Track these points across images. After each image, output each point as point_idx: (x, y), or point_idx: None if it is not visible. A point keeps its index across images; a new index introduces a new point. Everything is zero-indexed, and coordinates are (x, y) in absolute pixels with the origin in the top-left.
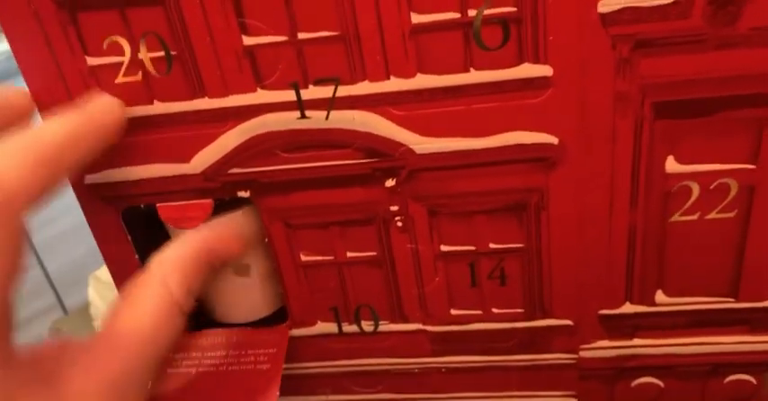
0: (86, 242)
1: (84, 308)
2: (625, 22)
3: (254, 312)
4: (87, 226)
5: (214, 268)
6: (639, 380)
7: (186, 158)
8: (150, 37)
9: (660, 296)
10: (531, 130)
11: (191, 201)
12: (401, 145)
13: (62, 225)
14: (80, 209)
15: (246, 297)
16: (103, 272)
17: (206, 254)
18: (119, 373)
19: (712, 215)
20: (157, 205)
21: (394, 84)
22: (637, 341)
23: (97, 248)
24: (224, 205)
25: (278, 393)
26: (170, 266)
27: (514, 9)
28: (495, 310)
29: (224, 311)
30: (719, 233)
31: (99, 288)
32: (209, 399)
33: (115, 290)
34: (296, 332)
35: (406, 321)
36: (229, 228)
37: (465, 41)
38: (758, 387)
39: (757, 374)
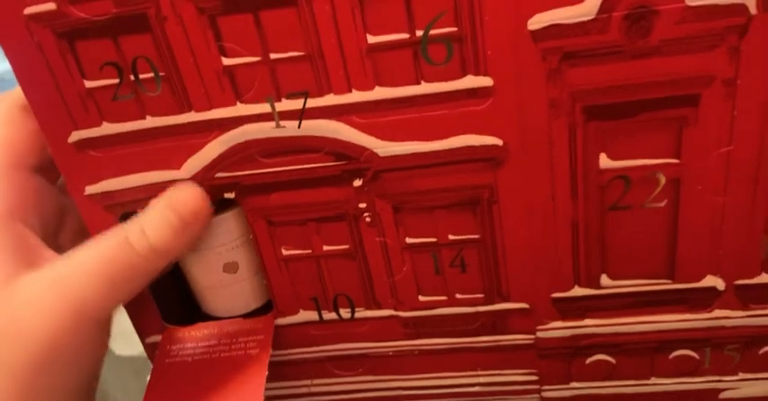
0: None
1: None
2: (552, 38)
3: (244, 306)
4: None
5: (185, 224)
6: (593, 358)
7: (177, 165)
8: (141, 60)
9: (605, 279)
10: (477, 134)
11: None
12: (365, 149)
13: None
14: None
15: (236, 292)
16: None
17: (166, 210)
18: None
19: (645, 205)
20: None
21: (356, 96)
22: (588, 321)
23: None
24: (215, 206)
25: (266, 373)
26: (132, 220)
27: (455, 29)
28: (458, 296)
29: (216, 306)
30: (653, 221)
31: None
32: (206, 383)
33: None
34: (281, 321)
35: (379, 307)
36: (194, 189)
37: (414, 58)
38: (701, 361)
39: (699, 350)
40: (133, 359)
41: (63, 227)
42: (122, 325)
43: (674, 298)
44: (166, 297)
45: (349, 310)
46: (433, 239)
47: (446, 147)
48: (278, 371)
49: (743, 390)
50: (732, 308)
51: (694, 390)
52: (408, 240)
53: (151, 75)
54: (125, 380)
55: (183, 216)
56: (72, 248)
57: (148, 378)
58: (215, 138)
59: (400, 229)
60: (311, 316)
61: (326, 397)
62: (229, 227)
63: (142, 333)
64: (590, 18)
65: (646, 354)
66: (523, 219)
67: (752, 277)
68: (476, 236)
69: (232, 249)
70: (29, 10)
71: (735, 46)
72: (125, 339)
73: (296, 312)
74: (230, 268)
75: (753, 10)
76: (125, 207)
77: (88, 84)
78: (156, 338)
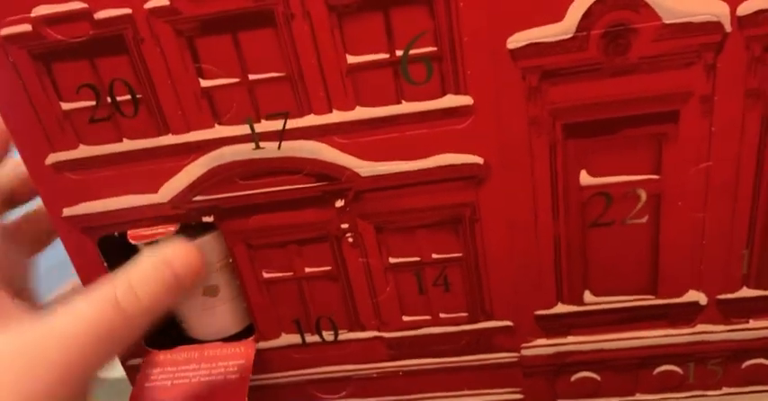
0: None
1: None
2: (532, 56)
3: (224, 329)
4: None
5: (179, 280)
6: (578, 375)
7: (154, 189)
8: (118, 82)
9: (588, 295)
10: (458, 152)
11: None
12: (346, 169)
13: None
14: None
15: (217, 316)
16: None
17: (160, 266)
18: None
19: (626, 221)
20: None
21: (336, 116)
22: (571, 338)
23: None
24: (193, 229)
25: (245, 398)
26: (121, 275)
27: (435, 48)
28: (442, 315)
29: (197, 330)
30: (634, 237)
31: None
32: None
33: None
34: (263, 344)
35: (363, 329)
36: (186, 244)
37: (395, 77)
38: (685, 376)
39: (683, 365)
40: (117, 381)
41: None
42: None
43: (657, 313)
44: None
45: (332, 332)
46: (417, 258)
47: (427, 166)
48: (260, 395)
49: None
50: (714, 323)
51: None
52: (391, 260)
53: (128, 97)
54: None
55: (177, 271)
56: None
57: None
58: (193, 160)
59: (383, 249)
60: (294, 339)
61: None
62: (208, 250)
63: (123, 356)
64: (569, 36)
65: (630, 370)
66: (505, 237)
67: (733, 291)
68: (458, 255)
69: (212, 272)
70: (4, 31)
71: (711, 63)
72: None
73: (278, 335)
74: (211, 291)
75: (728, 27)
76: (103, 230)
77: (65, 106)
78: (137, 361)
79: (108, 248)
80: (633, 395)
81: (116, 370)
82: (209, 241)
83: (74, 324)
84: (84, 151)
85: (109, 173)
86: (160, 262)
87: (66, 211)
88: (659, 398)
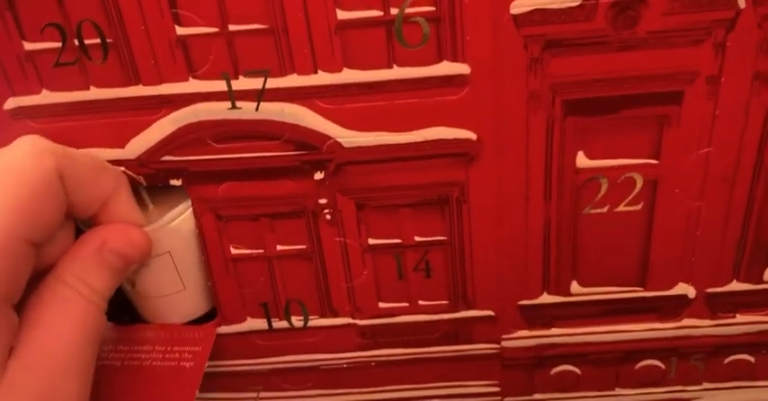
0: None
1: None
2: (535, 23)
3: (184, 316)
4: None
5: (122, 259)
6: (558, 368)
7: (121, 144)
8: (87, 24)
9: (575, 286)
10: (450, 126)
11: None
12: (329, 138)
13: None
14: None
15: (175, 304)
16: None
17: (100, 247)
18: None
19: (620, 208)
20: None
21: (321, 78)
22: (554, 330)
23: None
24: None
25: (197, 391)
26: (66, 261)
27: (433, 8)
28: (421, 302)
29: (155, 316)
30: (627, 225)
31: None
32: (129, 393)
33: None
34: (225, 329)
35: (335, 315)
36: (126, 224)
37: (388, 38)
38: (666, 371)
39: (665, 359)
40: None
41: None
42: None
43: (644, 306)
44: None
45: (302, 318)
46: (398, 240)
47: (416, 140)
48: (219, 383)
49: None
50: (700, 317)
51: None
52: (371, 241)
53: (98, 41)
54: None
55: (125, 255)
56: None
57: None
58: (164, 116)
59: (362, 229)
60: (259, 324)
61: None
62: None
63: None
64: (576, 4)
65: (612, 364)
66: (493, 221)
67: (723, 285)
68: (443, 238)
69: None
70: None
71: (720, 41)
72: None
73: (242, 319)
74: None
75: (742, 3)
76: None
77: (27, 46)
78: None
79: None
80: (613, 389)
81: None
82: (158, 230)
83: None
84: (46, 97)
85: (73, 124)
86: (104, 252)
87: None
88: (638, 393)
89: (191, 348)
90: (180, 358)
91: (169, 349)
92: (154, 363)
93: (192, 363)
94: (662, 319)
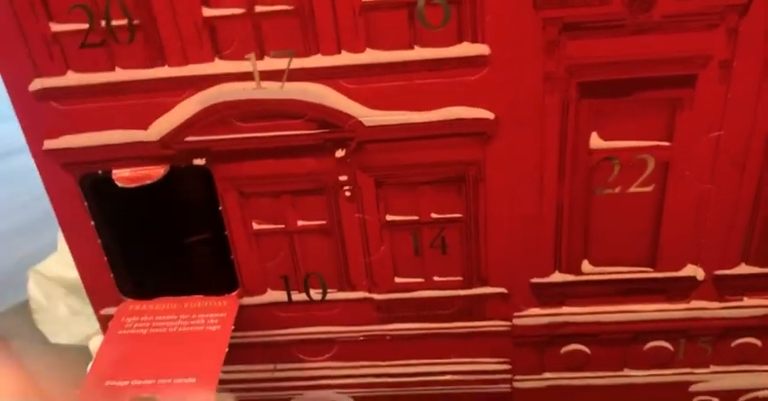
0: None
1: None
2: (554, 6)
3: None
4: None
5: None
6: (568, 347)
7: (144, 125)
8: (114, 5)
9: (586, 265)
10: (469, 106)
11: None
12: (351, 117)
13: None
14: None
15: None
16: (43, 267)
17: None
18: None
19: (632, 189)
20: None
21: (345, 58)
22: (566, 309)
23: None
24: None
25: (225, 350)
26: None
27: None
28: (436, 278)
29: None
30: (639, 206)
31: (39, 281)
32: (159, 356)
33: (55, 284)
34: (246, 300)
35: (353, 289)
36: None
37: (410, 20)
38: (675, 353)
39: (674, 341)
40: (69, 348)
41: None
42: (60, 310)
43: (653, 287)
44: (128, 271)
45: (320, 291)
46: (415, 217)
47: (434, 119)
48: (240, 354)
49: (712, 383)
50: (709, 299)
51: (665, 383)
52: (389, 217)
53: (125, 22)
54: (62, 371)
55: None
56: None
57: (90, 366)
58: (188, 96)
59: (381, 205)
60: (279, 296)
61: (290, 383)
62: None
63: (97, 303)
64: None
65: (621, 345)
66: (508, 199)
67: (731, 267)
68: (458, 216)
69: None
70: None
71: (733, 26)
72: (62, 325)
73: (263, 291)
74: None
75: None
76: (86, 167)
77: (54, 27)
78: (111, 310)
79: (90, 189)
80: (621, 370)
81: (72, 336)
82: None
83: None
84: (72, 79)
85: (97, 105)
86: None
87: (48, 144)
88: (647, 375)
89: (216, 314)
90: (206, 323)
91: (194, 316)
92: (180, 329)
93: (218, 327)
94: (671, 300)
